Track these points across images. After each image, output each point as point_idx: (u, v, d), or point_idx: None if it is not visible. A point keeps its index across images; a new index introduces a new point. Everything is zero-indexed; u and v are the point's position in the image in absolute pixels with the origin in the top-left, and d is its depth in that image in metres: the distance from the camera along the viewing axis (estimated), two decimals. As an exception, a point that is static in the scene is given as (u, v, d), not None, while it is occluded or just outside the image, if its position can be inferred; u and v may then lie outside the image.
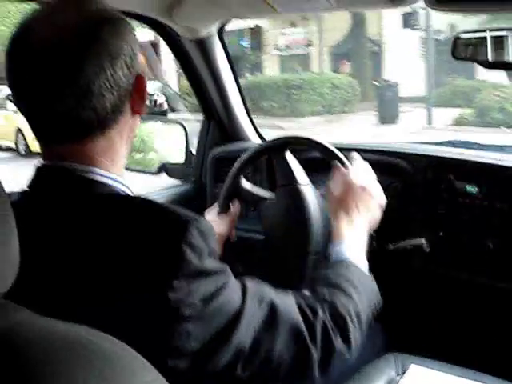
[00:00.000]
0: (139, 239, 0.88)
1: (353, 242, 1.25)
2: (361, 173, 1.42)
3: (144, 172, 2.42)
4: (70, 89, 0.88)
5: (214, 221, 1.60)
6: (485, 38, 1.66)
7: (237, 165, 1.69)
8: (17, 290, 0.61)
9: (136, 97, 0.98)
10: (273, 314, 0.97)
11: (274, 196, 1.66)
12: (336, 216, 1.32)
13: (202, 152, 2.37)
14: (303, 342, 0.99)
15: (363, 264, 1.23)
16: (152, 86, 16.93)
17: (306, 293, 1.09)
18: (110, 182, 0.96)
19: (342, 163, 1.48)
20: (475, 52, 1.78)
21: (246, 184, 1.70)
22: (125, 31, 0.95)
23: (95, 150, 0.95)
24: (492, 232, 1.69)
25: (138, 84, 0.98)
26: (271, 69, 22.62)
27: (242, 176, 1.70)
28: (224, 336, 0.89)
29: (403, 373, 1.51)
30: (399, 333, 1.82)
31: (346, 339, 1.05)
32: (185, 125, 2.36)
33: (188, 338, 0.85)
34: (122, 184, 0.99)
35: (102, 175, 0.95)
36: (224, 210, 1.66)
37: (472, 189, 1.73)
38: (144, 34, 5.90)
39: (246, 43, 23.18)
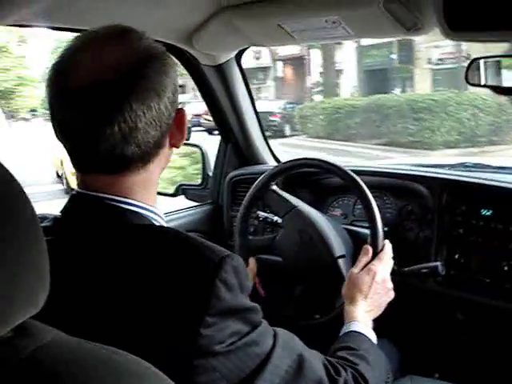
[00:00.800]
0: (174, 273, 0.88)
1: (365, 323, 1.32)
2: (386, 264, 1.48)
3: (162, 194, 2.45)
4: (115, 127, 0.88)
5: None
6: (498, 62, 1.70)
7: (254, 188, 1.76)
8: (47, 313, 0.61)
9: (175, 131, 1.00)
10: (300, 364, 0.98)
11: (300, 205, 1.74)
12: (351, 295, 1.39)
13: (219, 174, 2.41)
14: None
15: (373, 339, 1.30)
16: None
17: (329, 356, 1.13)
18: (144, 212, 0.98)
19: (375, 244, 1.52)
20: (488, 77, 1.81)
21: (275, 188, 1.78)
22: (169, 67, 0.95)
23: (133, 181, 0.96)
24: (507, 255, 1.70)
25: (178, 118, 1.00)
26: (423, 84, 20.39)
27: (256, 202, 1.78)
28: (249, 377, 0.89)
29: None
30: (415, 355, 1.83)
31: None
32: (202, 147, 2.41)
33: (213, 374, 0.85)
34: (157, 214, 1.01)
35: (137, 206, 0.97)
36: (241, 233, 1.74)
37: (487, 212, 1.75)
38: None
39: (395, 56, 21.54)
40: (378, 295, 1.41)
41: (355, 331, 1.28)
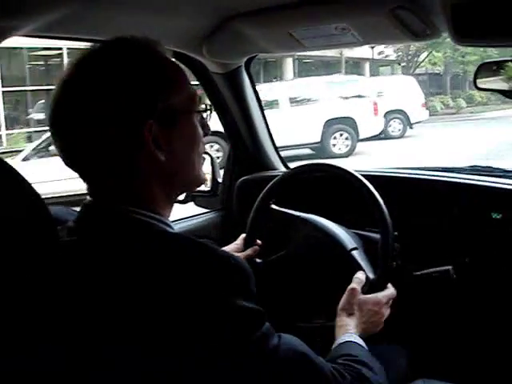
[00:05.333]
0: (186, 281, 0.91)
1: (359, 336, 1.30)
2: (389, 298, 1.46)
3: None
4: None
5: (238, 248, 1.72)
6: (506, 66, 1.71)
7: (265, 191, 1.78)
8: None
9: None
10: (305, 366, 0.99)
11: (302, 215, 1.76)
12: (350, 313, 1.37)
13: (228, 181, 2.42)
14: None
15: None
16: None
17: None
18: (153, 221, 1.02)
19: (385, 248, 1.53)
20: (497, 81, 1.82)
21: (274, 206, 1.79)
22: None
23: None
24: None
25: None
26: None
27: (270, 201, 1.79)
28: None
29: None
30: (426, 358, 1.83)
31: None
32: (211, 154, 2.41)
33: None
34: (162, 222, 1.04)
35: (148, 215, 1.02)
36: (250, 238, 1.75)
37: (496, 215, 1.75)
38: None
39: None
40: (372, 325, 1.39)
41: (352, 341, 1.26)
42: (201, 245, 0.96)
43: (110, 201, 1.01)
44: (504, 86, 1.79)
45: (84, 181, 1.04)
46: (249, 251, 1.72)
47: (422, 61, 26.29)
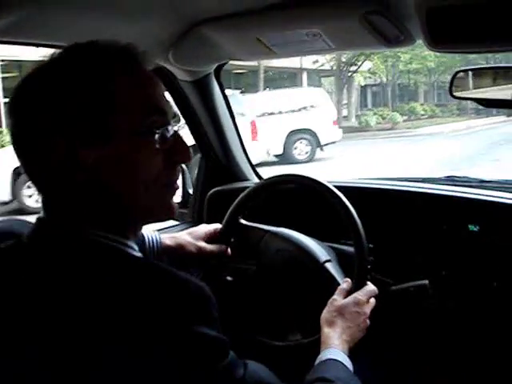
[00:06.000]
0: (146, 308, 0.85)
1: (342, 350, 1.26)
2: (371, 295, 1.43)
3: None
4: None
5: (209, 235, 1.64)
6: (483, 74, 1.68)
7: (234, 205, 1.71)
8: None
9: None
10: None
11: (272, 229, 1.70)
12: (331, 319, 1.34)
13: (199, 192, 2.35)
14: None
15: (351, 367, 1.23)
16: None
17: None
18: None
19: (360, 260, 1.48)
20: (473, 89, 1.78)
21: (243, 221, 1.73)
22: None
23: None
24: (495, 270, 1.66)
25: None
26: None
27: (240, 214, 1.72)
28: None
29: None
30: (405, 376, 1.77)
31: None
32: (182, 165, 2.34)
33: None
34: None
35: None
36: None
37: (473, 227, 1.70)
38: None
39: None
40: (357, 327, 1.35)
41: (332, 359, 1.21)
42: (161, 270, 0.92)
43: (62, 217, 0.95)
44: (480, 94, 1.75)
45: (38, 192, 0.98)
46: (215, 247, 1.63)
47: (355, 71, 24.67)
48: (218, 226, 1.69)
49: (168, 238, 1.56)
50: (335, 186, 1.58)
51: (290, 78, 25.43)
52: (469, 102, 28.17)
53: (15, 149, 0.95)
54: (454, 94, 1.76)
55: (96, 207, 0.94)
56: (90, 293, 0.85)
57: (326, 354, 1.23)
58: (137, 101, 0.94)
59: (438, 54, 24.16)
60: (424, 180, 2.10)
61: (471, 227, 1.71)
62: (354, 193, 1.67)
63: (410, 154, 13.98)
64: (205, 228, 1.66)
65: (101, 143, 0.91)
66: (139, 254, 1.01)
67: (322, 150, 14.43)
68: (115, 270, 0.89)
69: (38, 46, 1.55)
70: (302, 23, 1.52)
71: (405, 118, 25.04)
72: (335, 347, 1.25)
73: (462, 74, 1.76)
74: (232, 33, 1.64)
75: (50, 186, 0.95)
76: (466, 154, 13.16)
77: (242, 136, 2.32)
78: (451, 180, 2.08)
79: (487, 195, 1.76)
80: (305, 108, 13.90)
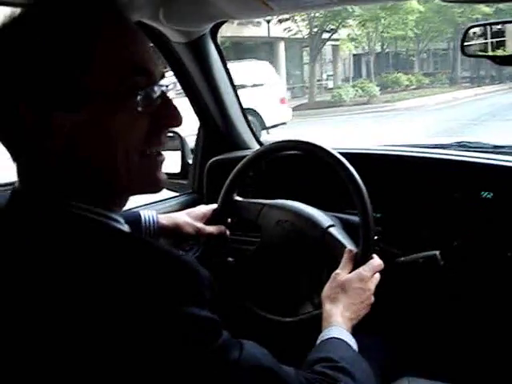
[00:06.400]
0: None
1: (346, 328, 1.20)
2: (376, 274, 1.34)
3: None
4: None
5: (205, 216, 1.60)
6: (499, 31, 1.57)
7: (228, 180, 1.67)
8: None
9: None
10: (272, 379, 0.87)
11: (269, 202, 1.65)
12: (334, 295, 1.27)
13: (199, 161, 2.26)
14: None
15: (355, 347, 1.17)
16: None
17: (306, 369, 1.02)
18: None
19: (366, 231, 1.38)
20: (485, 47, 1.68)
21: (238, 198, 1.69)
22: None
23: None
24: (510, 239, 1.57)
25: None
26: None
27: (235, 191, 1.68)
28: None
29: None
30: (411, 352, 1.69)
31: None
32: (181, 134, 2.25)
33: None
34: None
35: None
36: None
37: (487, 195, 1.60)
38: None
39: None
40: (361, 305, 1.27)
41: (335, 337, 1.14)
42: (148, 245, 0.86)
43: (38, 189, 0.85)
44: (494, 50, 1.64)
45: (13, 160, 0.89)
46: (213, 228, 1.58)
47: (328, 39, 22.51)
48: (216, 206, 1.65)
49: (165, 218, 1.51)
50: (339, 153, 1.48)
51: (266, 49, 23.53)
52: (459, 70, 27.95)
53: None
54: (466, 51, 1.65)
55: (75, 177, 0.85)
56: (69, 271, 0.77)
57: (329, 332, 1.17)
58: (117, 59, 0.83)
59: (419, 18, 23.57)
60: (434, 146, 1.99)
61: (484, 194, 1.61)
62: (359, 159, 1.58)
63: (372, 133, 12.36)
64: (203, 208, 1.62)
65: (75, 107, 0.81)
66: (125, 228, 0.92)
67: (268, 132, 12.50)
68: (96, 245, 0.80)
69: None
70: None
71: (388, 89, 23.90)
72: (338, 325, 1.19)
73: (473, 29, 1.64)
74: (225, -13, 1.52)
75: (24, 154, 0.86)
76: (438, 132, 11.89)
77: (241, 102, 2.21)
78: (463, 146, 1.98)
79: (501, 160, 1.66)
80: (245, 85, 11.43)
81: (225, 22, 1.87)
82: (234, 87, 2.15)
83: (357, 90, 21.52)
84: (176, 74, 2.05)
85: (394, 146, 2.05)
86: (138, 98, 0.84)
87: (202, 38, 1.90)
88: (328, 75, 29.10)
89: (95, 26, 0.83)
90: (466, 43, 1.65)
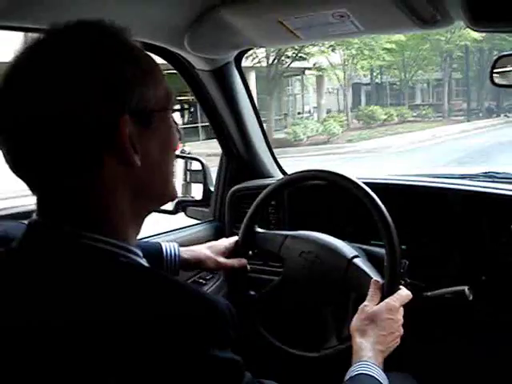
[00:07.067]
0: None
1: (376, 362, 1.15)
2: (404, 301, 1.30)
3: (160, 211, 2.27)
4: None
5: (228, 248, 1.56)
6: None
7: (250, 211, 1.62)
8: None
9: None
10: None
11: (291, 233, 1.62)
12: (363, 328, 1.23)
13: (221, 189, 2.24)
14: None
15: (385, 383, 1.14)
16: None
17: None
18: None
19: (392, 264, 1.35)
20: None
21: (260, 230, 1.64)
22: None
23: None
24: None
25: None
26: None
27: (256, 222, 1.63)
28: None
29: None
30: None
31: None
32: (203, 161, 2.24)
33: None
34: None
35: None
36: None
37: None
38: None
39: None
40: (392, 336, 1.23)
41: (365, 374, 1.10)
42: (171, 283, 0.82)
43: (59, 220, 0.82)
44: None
45: (33, 193, 0.86)
46: (235, 261, 1.54)
47: (289, 64, 19.78)
48: (237, 238, 1.61)
49: (187, 252, 1.48)
50: (364, 183, 1.45)
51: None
52: (446, 103, 26.06)
53: (12, 138, 0.81)
54: (496, 81, 1.61)
55: (110, 202, 0.84)
56: (87, 309, 0.74)
57: (358, 368, 1.13)
58: (158, 77, 0.88)
59: (390, 46, 20.49)
60: (461, 176, 1.95)
61: None
62: (384, 190, 1.55)
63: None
64: (225, 242, 1.58)
65: (143, 123, 0.85)
66: (144, 261, 0.90)
67: None
68: (118, 283, 0.78)
69: (28, 30, 1.41)
70: (328, 3, 1.40)
71: (363, 125, 21.87)
72: (368, 360, 1.15)
73: (504, 59, 1.61)
74: (251, 16, 1.52)
75: (57, 191, 0.83)
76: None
77: (265, 130, 2.19)
78: (489, 176, 1.93)
79: None
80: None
81: (250, 49, 1.87)
82: (258, 115, 2.14)
83: (321, 127, 19.75)
84: (200, 101, 2.04)
85: (420, 175, 2.01)
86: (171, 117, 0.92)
87: (227, 66, 1.91)
88: (314, 107, 27.24)
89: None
90: (495, 72, 1.62)
